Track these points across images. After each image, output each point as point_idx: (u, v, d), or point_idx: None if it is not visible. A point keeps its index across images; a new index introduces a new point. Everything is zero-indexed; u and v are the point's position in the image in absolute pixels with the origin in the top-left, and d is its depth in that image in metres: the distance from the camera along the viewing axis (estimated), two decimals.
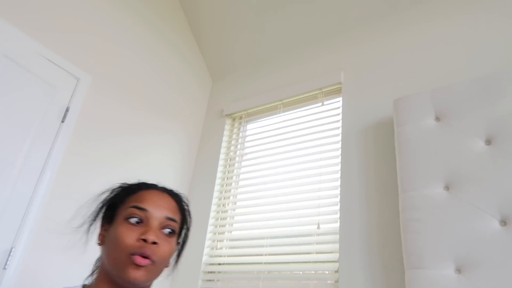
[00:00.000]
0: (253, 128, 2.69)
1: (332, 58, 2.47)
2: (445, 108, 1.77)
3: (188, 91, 2.84)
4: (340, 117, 2.26)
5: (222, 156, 2.64)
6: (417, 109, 1.82)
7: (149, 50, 2.59)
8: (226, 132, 2.73)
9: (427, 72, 2.04)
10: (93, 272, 0.88)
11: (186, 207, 0.89)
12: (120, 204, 0.82)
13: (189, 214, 0.90)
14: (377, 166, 1.97)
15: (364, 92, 2.22)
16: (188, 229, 0.90)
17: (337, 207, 2.00)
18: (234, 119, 2.81)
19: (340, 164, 2.10)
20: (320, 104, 2.41)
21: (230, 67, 2.97)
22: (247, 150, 2.60)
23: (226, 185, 2.54)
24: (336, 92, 2.38)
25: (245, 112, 2.71)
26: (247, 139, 2.66)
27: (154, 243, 0.74)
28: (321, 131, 2.29)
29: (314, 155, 2.24)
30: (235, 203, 2.41)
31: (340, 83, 2.34)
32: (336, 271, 1.86)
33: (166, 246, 0.77)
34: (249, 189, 2.40)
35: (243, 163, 2.55)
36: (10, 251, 1.71)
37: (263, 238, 2.14)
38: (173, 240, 0.80)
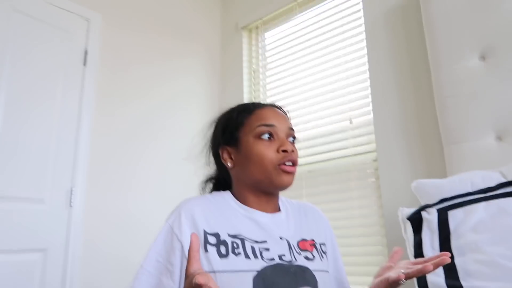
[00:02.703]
0: (271, 36, 2.59)
1: None
2: None
3: (200, 7, 2.74)
4: (361, 5, 2.11)
5: (245, 70, 2.61)
6: None
7: None
8: (245, 46, 2.66)
9: None
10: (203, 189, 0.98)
11: (289, 115, 0.97)
12: (241, 127, 0.88)
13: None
14: (406, 47, 1.88)
15: None
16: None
17: (369, 99, 1.97)
18: (250, 31, 2.71)
19: (366, 55, 2.02)
20: None
21: None
22: (269, 60, 2.55)
23: (254, 98, 2.55)
24: None
25: (260, 21, 2.60)
26: (267, 48, 2.59)
27: (293, 151, 0.85)
28: (342, 25, 2.18)
29: (339, 51, 2.16)
30: None
31: None
32: (375, 160, 1.90)
33: (296, 151, 0.87)
34: (278, 97, 2.40)
35: (267, 73, 2.52)
36: (71, 190, 1.87)
37: (298, 141, 2.18)
38: (295, 146, 0.90)
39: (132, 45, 2.28)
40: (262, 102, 0.96)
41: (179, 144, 2.32)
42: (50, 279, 1.73)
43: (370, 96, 1.96)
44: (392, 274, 0.69)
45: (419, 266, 0.67)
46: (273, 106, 0.93)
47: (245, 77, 2.58)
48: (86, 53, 2.05)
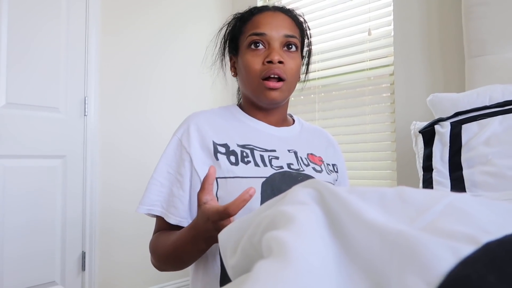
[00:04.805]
0: None
1: None
2: None
3: None
4: None
5: None
6: None
7: None
8: None
9: None
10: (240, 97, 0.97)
11: (302, 19, 0.89)
12: (239, 35, 0.84)
13: (307, 26, 0.90)
14: None
15: None
16: (309, 40, 0.91)
17: (390, 8, 1.85)
18: None
19: None
20: None
21: None
22: None
23: None
24: None
25: None
26: None
27: (280, 62, 0.77)
28: None
29: None
30: None
31: None
32: (391, 74, 1.84)
33: (292, 62, 0.80)
34: (292, 6, 2.26)
35: None
36: (85, 100, 1.89)
37: (313, 54, 2.10)
38: (297, 55, 0.82)
39: None
40: (276, 5, 0.87)
41: (191, 55, 2.27)
42: (71, 181, 1.84)
43: (392, 4, 1.84)
44: None
45: None
46: (276, 9, 0.84)
47: None
48: None
